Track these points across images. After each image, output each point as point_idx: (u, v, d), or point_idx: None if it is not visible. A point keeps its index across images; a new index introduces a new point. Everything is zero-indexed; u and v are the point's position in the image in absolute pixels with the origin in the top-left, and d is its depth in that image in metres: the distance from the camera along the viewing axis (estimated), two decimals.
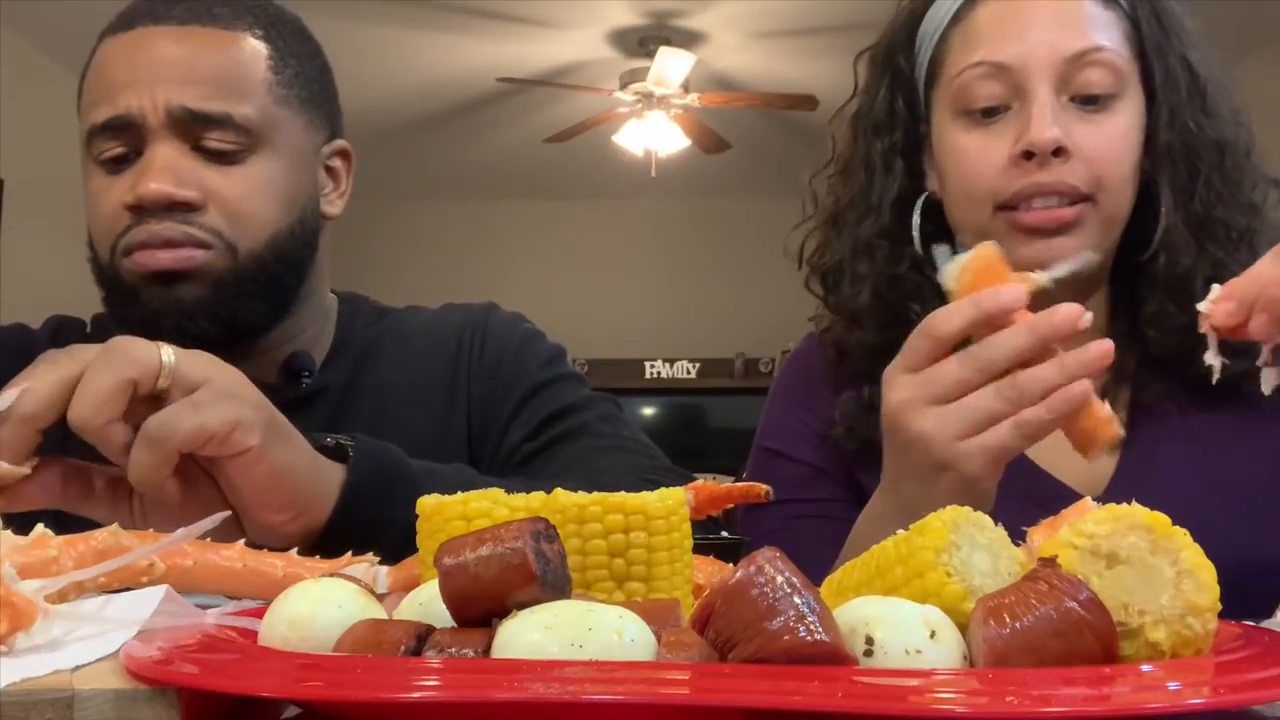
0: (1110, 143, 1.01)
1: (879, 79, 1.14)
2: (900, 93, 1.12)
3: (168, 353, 0.79)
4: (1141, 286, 1.07)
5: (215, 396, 0.79)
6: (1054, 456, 1.08)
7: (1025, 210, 1.01)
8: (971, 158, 1.03)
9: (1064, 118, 1.00)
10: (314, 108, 1.12)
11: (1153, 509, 0.48)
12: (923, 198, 1.10)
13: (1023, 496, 1.00)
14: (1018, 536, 0.60)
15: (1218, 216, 1.05)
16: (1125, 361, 1.08)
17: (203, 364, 0.81)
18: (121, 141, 1.03)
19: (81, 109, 1.07)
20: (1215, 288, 0.80)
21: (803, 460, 1.15)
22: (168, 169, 1.01)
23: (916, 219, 1.10)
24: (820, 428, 1.15)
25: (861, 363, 1.09)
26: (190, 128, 1.02)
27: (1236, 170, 1.06)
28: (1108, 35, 1.02)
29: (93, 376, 0.77)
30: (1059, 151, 0.99)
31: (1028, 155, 0.99)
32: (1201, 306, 0.80)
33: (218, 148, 1.03)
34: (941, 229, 1.10)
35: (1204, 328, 0.81)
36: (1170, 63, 1.05)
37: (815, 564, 1.01)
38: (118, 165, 1.04)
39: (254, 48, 1.07)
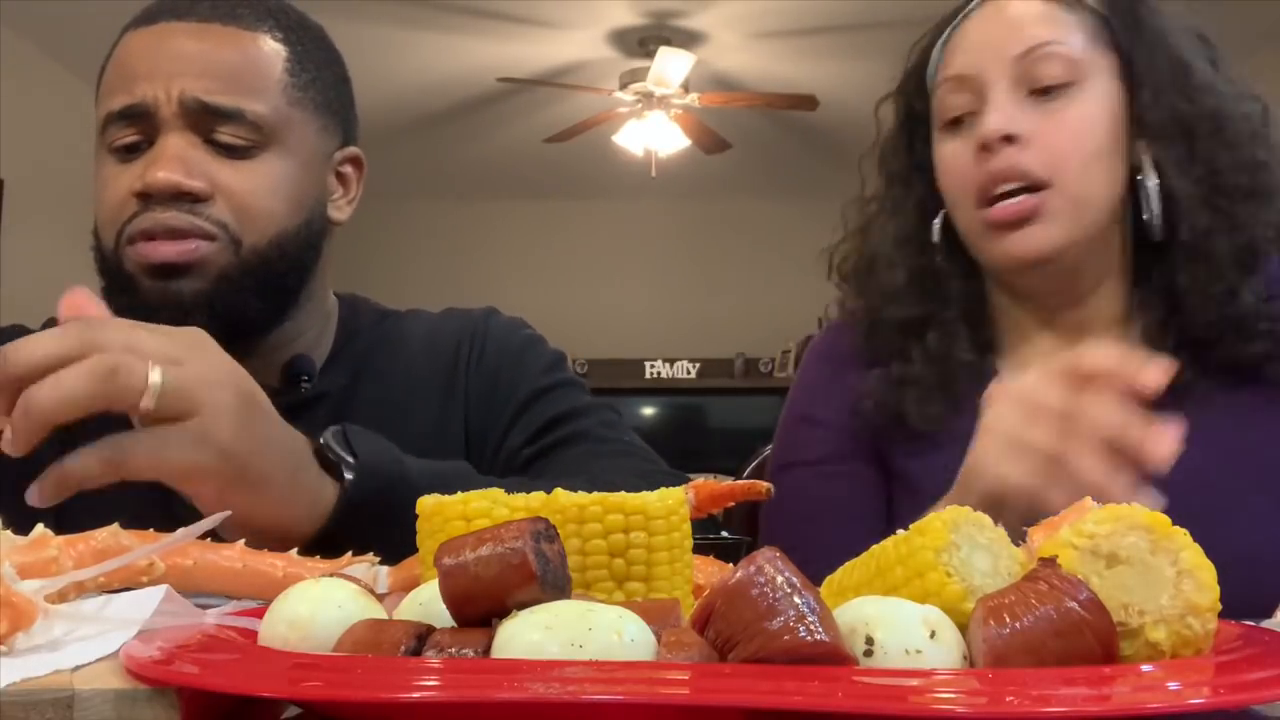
0: (1067, 128, 1.08)
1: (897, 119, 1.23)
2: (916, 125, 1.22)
3: (156, 375, 0.75)
4: (1172, 270, 1.11)
5: (184, 438, 0.77)
6: None
7: (993, 207, 1.09)
8: (948, 163, 1.14)
9: (1024, 110, 1.08)
10: (329, 113, 1.13)
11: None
12: (942, 213, 1.18)
13: None
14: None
15: (1222, 177, 1.09)
16: (1160, 349, 1.10)
17: (198, 394, 0.77)
18: (135, 130, 1.04)
19: (99, 97, 1.08)
20: None
21: (836, 426, 1.21)
22: (178, 158, 1.02)
23: (936, 223, 1.18)
24: (852, 400, 1.20)
25: (891, 341, 1.18)
26: (202, 120, 1.03)
27: (1236, 135, 1.10)
28: (1061, 32, 1.09)
29: (68, 376, 0.73)
30: (1010, 139, 1.07)
31: (985, 148, 1.08)
32: None
33: (229, 142, 1.04)
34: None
35: None
36: (1145, 51, 1.11)
37: (852, 522, 1.11)
38: (129, 153, 1.05)
39: (273, 48, 1.08)
